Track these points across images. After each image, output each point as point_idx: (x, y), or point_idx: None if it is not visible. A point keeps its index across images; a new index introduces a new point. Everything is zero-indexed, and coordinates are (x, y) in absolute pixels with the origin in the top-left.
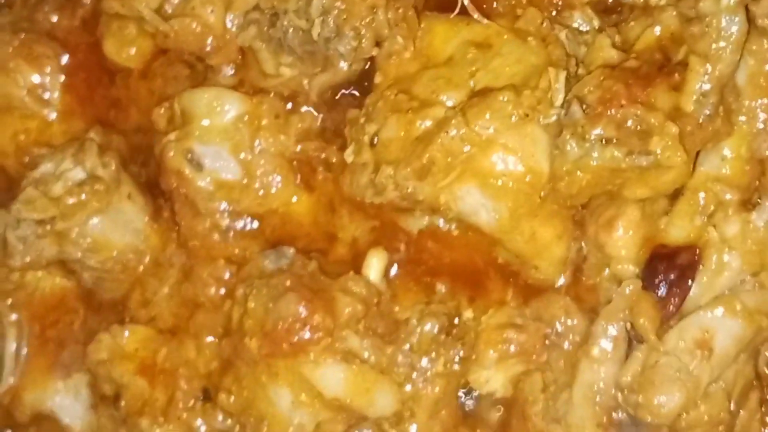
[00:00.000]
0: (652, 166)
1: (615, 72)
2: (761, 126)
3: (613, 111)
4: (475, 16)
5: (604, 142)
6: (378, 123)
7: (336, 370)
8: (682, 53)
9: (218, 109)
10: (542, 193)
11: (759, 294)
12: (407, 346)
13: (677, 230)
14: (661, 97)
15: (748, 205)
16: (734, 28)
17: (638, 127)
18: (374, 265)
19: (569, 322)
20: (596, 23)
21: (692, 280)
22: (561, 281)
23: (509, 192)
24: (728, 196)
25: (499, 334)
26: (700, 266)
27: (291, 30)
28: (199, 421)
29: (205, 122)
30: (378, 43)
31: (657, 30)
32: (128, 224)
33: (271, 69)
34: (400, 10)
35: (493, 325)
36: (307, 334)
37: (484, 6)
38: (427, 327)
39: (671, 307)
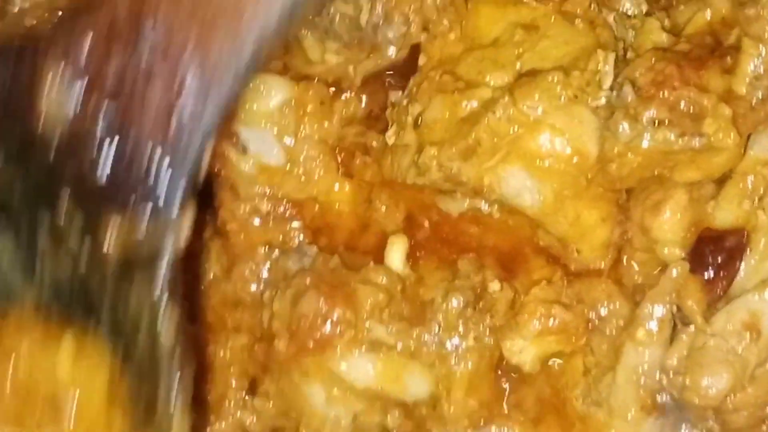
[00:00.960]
0: (704, 148)
1: (667, 54)
2: None
3: (665, 93)
4: None
5: (656, 124)
6: (422, 104)
7: (363, 361)
8: (734, 37)
9: (264, 93)
10: (589, 176)
11: None
12: (435, 326)
13: (725, 214)
14: (714, 80)
15: None
16: None
17: (691, 109)
18: (396, 252)
19: (611, 306)
20: (644, 8)
21: (740, 263)
22: (603, 265)
23: (555, 173)
24: None
25: (546, 307)
26: (748, 250)
27: (338, 16)
28: (249, 418)
29: (252, 106)
30: (425, 28)
31: (708, 14)
32: None
33: (316, 56)
34: None
35: (542, 297)
36: (329, 329)
37: None
38: (452, 303)
39: (718, 290)
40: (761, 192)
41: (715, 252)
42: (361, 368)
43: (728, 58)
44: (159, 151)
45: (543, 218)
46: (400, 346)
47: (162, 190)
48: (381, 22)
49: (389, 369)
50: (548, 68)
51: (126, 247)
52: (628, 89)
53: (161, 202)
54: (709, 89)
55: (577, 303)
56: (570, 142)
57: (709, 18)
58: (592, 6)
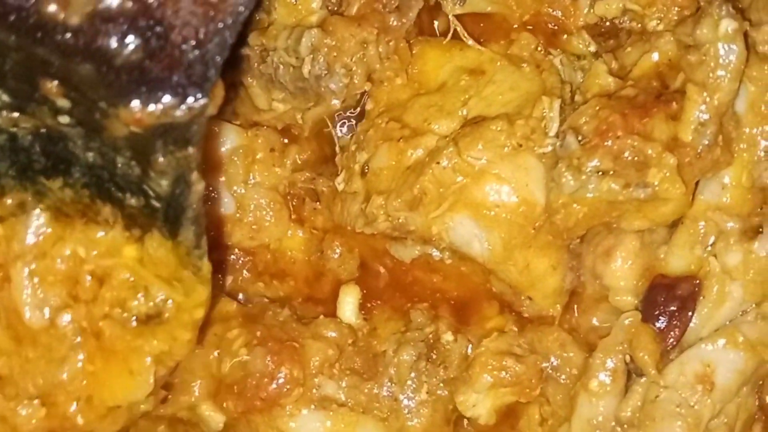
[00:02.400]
0: (650, 198)
1: (611, 101)
2: (762, 154)
3: (609, 142)
4: (469, 42)
5: (600, 174)
6: (369, 151)
7: (312, 419)
8: (680, 81)
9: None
10: (537, 224)
11: (761, 325)
12: (387, 380)
13: (677, 260)
14: (659, 127)
15: (749, 233)
16: (732, 57)
17: (635, 159)
18: (348, 303)
19: (565, 355)
20: (593, 48)
21: (693, 312)
22: (556, 312)
23: (503, 223)
24: (730, 225)
25: (498, 360)
26: (701, 297)
27: (281, 67)
28: None
29: None
30: (369, 78)
31: (654, 56)
32: None
33: (263, 104)
34: (391, 43)
35: (494, 349)
36: (276, 388)
37: (478, 31)
38: (405, 356)
39: (671, 339)
40: (712, 238)
41: (667, 300)
42: (311, 426)
43: (674, 104)
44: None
45: (494, 266)
46: (351, 401)
47: (195, 70)
48: (323, 73)
49: (340, 426)
50: (493, 115)
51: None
52: (571, 138)
53: (194, 82)
54: (654, 137)
55: (530, 353)
56: (516, 191)
57: (655, 60)
58: (539, 48)
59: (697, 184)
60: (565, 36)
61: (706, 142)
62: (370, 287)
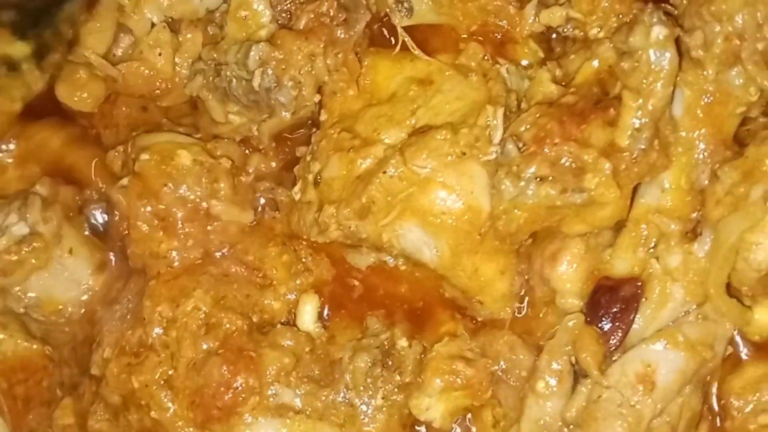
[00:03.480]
0: (587, 203)
1: (551, 109)
2: (700, 156)
3: (547, 149)
4: (416, 52)
5: (538, 180)
6: (321, 162)
7: (269, 427)
8: (619, 87)
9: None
10: (482, 231)
11: (701, 325)
12: (343, 386)
13: (621, 263)
14: (596, 133)
15: (689, 235)
16: (665, 62)
17: (572, 165)
18: (307, 312)
19: (514, 357)
20: (540, 56)
21: (635, 313)
22: (507, 315)
23: (449, 229)
24: (672, 227)
25: (448, 364)
26: (644, 299)
27: (234, 81)
28: None
29: None
30: (320, 89)
31: (595, 63)
32: (71, 278)
33: (220, 117)
34: (340, 55)
35: (445, 354)
36: (232, 396)
37: (427, 42)
38: (360, 363)
39: (614, 340)
40: (654, 241)
41: (611, 302)
42: None
43: (612, 110)
44: None
45: (444, 272)
46: (308, 409)
47: None
48: (272, 86)
49: None
50: (439, 124)
51: None
52: (511, 146)
53: None
54: (591, 143)
55: (480, 356)
56: (461, 198)
57: (596, 67)
58: (486, 58)
59: (637, 188)
60: (512, 45)
61: (642, 147)
62: (328, 295)
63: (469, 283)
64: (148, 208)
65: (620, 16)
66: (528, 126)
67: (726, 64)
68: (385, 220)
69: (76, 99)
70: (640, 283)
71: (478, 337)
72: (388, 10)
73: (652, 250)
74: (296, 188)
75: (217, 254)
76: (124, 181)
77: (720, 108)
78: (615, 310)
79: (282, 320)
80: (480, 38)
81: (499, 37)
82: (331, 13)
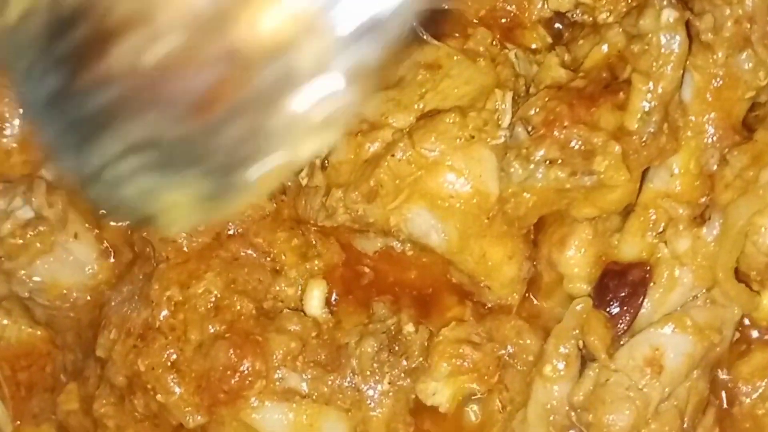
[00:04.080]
0: (596, 186)
1: (560, 92)
2: (709, 141)
3: (556, 132)
4: (425, 37)
5: (548, 163)
6: (328, 147)
7: (276, 411)
8: (629, 71)
9: None
10: (490, 214)
11: (710, 310)
12: (350, 371)
13: (629, 247)
14: (606, 117)
15: (698, 220)
16: (675, 46)
17: (582, 148)
18: (315, 297)
19: (522, 342)
20: (549, 41)
21: (644, 297)
22: (514, 300)
23: (457, 213)
24: (680, 211)
25: (455, 348)
26: (652, 283)
27: None
28: None
29: None
30: None
31: (604, 48)
32: (76, 263)
33: None
34: None
35: (452, 338)
36: (239, 380)
37: (435, 27)
38: (366, 347)
39: (622, 324)
40: (663, 225)
41: (619, 286)
42: (274, 418)
43: (621, 94)
44: None
45: (451, 256)
46: (314, 393)
47: None
48: None
49: (303, 417)
50: (448, 108)
51: None
52: (520, 129)
53: None
54: (600, 127)
55: (487, 341)
56: (470, 181)
57: (605, 52)
58: (495, 43)
59: (646, 172)
60: (521, 30)
61: (651, 130)
62: (335, 280)
63: (477, 267)
64: None
65: (629, 0)
66: (537, 109)
67: (736, 47)
68: (393, 204)
69: None
70: (648, 268)
71: (485, 322)
72: None
73: (660, 235)
74: (303, 173)
75: (227, 237)
76: None
77: (729, 92)
78: (623, 294)
79: (290, 305)
80: (489, 23)
81: (507, 22)
82: None
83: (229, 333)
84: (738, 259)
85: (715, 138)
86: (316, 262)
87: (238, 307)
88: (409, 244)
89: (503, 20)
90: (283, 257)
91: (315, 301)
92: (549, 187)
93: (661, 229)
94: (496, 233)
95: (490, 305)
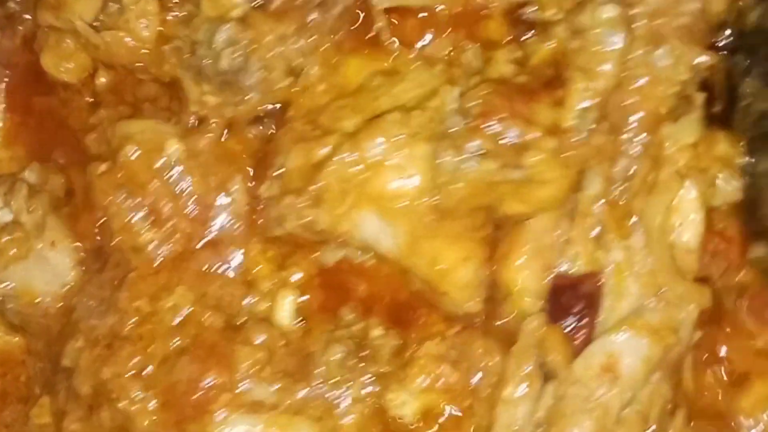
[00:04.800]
0: (526, 181)
1: (501, 86)
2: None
3: (491, 124)
4: (388, 41)
5: (480, 154)
6: (284, 155)
7: (244, 424)
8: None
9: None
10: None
11: (663, 310)
12: (319, 379)
13: (575, 258)
14: (543, 113)
15: (624, 231)
16: (614, 43)
17: (516, 141)
18: (285, 307)
19: (490, 363)
20: (508, 38)
21: (598, 308)
22: (474, 308)
23: (404, 213)
24: (610, 224)
25: (436, 364)
26: (603, 292)
27: (206, 59)
28: None
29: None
30: (291, 73)
31: (549, 45)
32: (52, 271)
33: (195, 96)
34: (314, 38)
35: (434, 353)
36: (204, 394)
37: (404, 27)
38: (333, 354)
39: (581, 337)
40: (602, 232)
41: (571, 300)
42: (241, 431)
43: (561, 91)
44: None
45: (405, 261)
46: (283, 404)
47: None
48: (240, 67)
49: (273, 429)
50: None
51: None
52: (457, 119)
53: None
54: (536, 122)
55: (462, 360)
56: (413, 179)
57: (550, 49)
58: (451, 52)
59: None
60: (486, 22)
61: (589, 129)
62: (304, 290)
63: (431, 272)
64: (135, 200)
65: None
66: (477, 102)
67: (652, 43)
68: (341, 208)
69: (62, 69)
70: (599, 278)
71: (455, 341)
72: None
73: (602, 243)
74: (264, 186)
75: (199, 248)
76: (103, 166)
77: (653, 89)
78: (577, 307)
79: (261, 316)
80: (456, 20)
81: (474, 17)
82: None
83: (194, 347)
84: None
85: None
86: (294, 270)
87: (207, 322)
88: (368, 254)
89: (471, 16)
90: (257, 268)
91: (285, 311)
92: (479, 179)
93: (600, 237)
94: (448, 234)
95: (450, 313)
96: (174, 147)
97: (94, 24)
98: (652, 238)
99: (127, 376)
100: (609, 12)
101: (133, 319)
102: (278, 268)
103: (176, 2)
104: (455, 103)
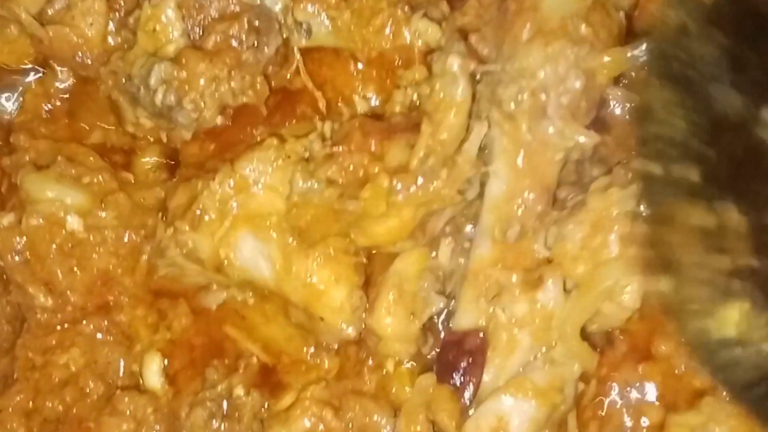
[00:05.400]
0: (361, 213)
1: (368, 120)
2: (522, 206)
3: (342, 156)
4: (304, 78)
5: (327, 181)
6: (169, 198)
7: None
8: None
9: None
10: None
11: (549, 371)
12: None
13: (465, 315)
14: (394, 152)
15: (531, 284)
16: (456, 94)
17: (360, 175)
18: (152, 370)
19: (373, 421)
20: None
21: (484, 365)
22: (350, 335)
23: (275, 229)
24: (513, 279)
25: (319, 408)
26: (491, 349)
27: (141, 89)
28: None
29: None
30: (223, 112)
31: (426, 89)
32: None
33: (131, 118)
34: (247, 78)
35: (317, 396)
36: None
37: (322, 67)
38: (196, 417)
39: (468, 395)
40: (494, 292)
41: (458, 357)
42: None
43: (416, 135)
44: None
45: (283, 285)
46: None
47: None
48: (173, 105)
49: None
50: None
51: None
52: (316, 146)
53: None
54: (383, 159)
55: (344, 408)
56: (282, 197)
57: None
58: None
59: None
60: (407, 68)
61: (431, 174)
62: (176, 348)
63: (307, 294)
64: (32, 269)
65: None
66: (341, 135)
67: (535, 117)
68: (221, 230)
69: (4, 56)
70: (482, 334)
71: (342, 398)
72: (287, 30)
73: (493, 300)
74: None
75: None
76: (6, 220)
77: (539, 157)
78: (464, 364)
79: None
80: (377, 61)
81: (396, 61)
82: (243, 37)
83: (65, 419)
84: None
85: (530, 201)
86: (167, 331)
87: (88, 388)
88: (249, 292)
89: (392, 60)
90: (137, 333)
91: (152, 374)
92: (322, 205)
93: (493, 296)
94: (321, 254)
95: (328, 342)
96: (76, 223)
97: (42, 17)
98: (586, 296)
99: (10, 410)
100: (454, 63)
101: (24, 366)
102: (154, 331)
103: (122, 5)
104: (328, 131)
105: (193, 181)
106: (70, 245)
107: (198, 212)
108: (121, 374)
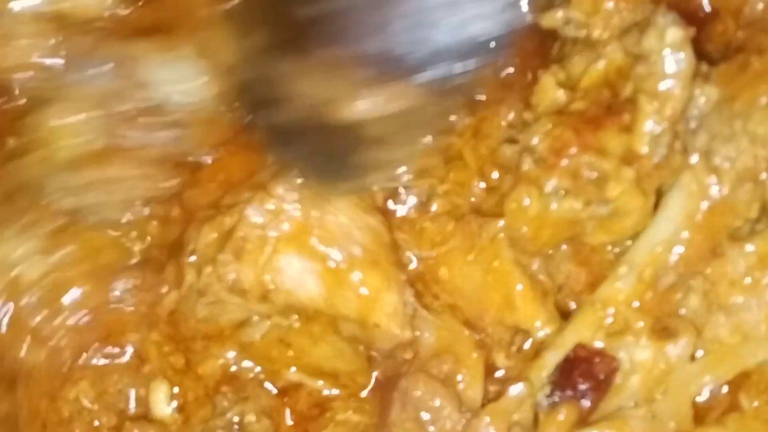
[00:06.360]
0: (611, 213)
1: (562, 117)
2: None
3: (565, 161)
4: None
5: (561, 193)
6: (193, 241)
7: None
8: (630, 89)
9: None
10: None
11: (650, 423)
12: None
13: (572, 336)
14: (613, 140)
15: (658, 333)
16: (681, 64)
17: (593, 175)
18: (159, 398)
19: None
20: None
21: (606, 393)
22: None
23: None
24: (640, 324)
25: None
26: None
27: None
28: None
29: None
30: None
31: (602, 65)
32: None
33: None
34: None
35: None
36: None
37: None
38: None
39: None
40: (617, 328)
41: (585, 375)
42: None
43: (626, 115)
44: None
45: (335, 300)
46: None
47: None
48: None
49: None
50: None
51: None
52: (527, 159)
53: None
54: (609, 151)
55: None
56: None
57: (603, 69)
58: None
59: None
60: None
61: (663, 153)
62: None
63: (360, 302)
64: None
65: (624, 16)
66: (542, 137)
67: (743, 180)
68: (263, 257)
69: None
70: (615, 363)
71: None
72: None
73: (612, 336)
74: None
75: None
76: None
77: (719, 218)
78: (583, 386)
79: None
80: None
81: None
82: None
83: None
84: None
85: (693, 258)
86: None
87: (97, 423)
88: (294, 315)
89: None
90: (147, 354)
91: (159, 402)
92: (563, 218)
93: (616, 331)
94: (366, 263)
95: (387, 348)
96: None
97: None
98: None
99: None
100: (675, 34)
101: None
102: (164, 356)
103: None
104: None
105: (218, 218)
106: None
107: (237, 241)
108: (131, 402)
